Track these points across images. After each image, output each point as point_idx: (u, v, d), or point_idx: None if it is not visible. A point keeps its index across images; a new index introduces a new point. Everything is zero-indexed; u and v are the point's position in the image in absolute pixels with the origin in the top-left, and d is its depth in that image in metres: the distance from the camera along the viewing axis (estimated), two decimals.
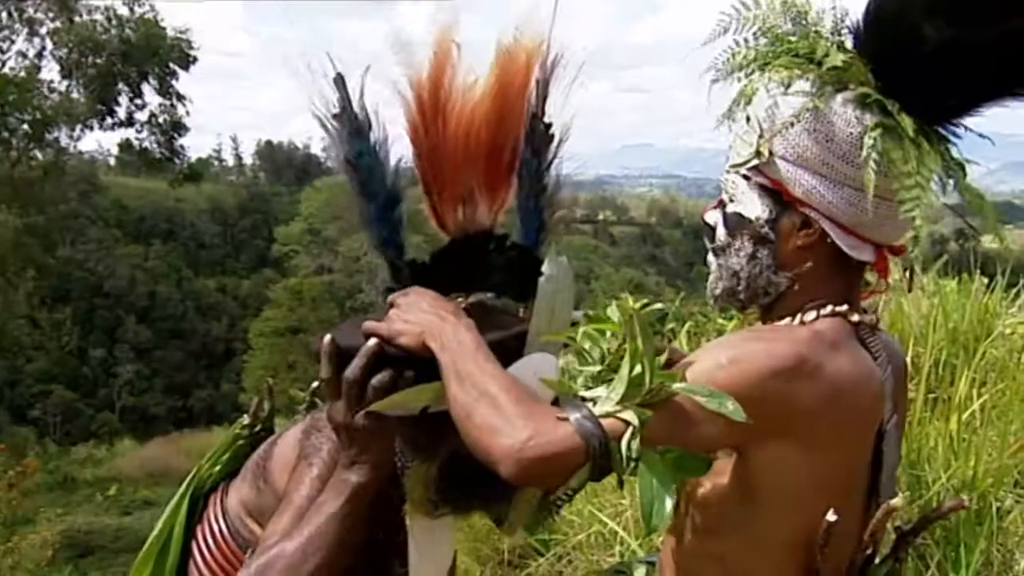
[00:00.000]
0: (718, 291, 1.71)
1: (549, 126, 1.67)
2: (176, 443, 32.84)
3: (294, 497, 1.69)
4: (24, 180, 24.15)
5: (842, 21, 1.64)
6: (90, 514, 21.45)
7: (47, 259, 30.66)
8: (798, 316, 1.64)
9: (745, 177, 1.66)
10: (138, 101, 24.31)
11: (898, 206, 1.48)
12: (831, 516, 1.53)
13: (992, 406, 3.98)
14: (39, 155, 24.02)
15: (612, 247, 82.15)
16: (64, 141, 24.32)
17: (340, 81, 1.57)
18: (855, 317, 1.63)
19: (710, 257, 1.74)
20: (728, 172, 1.70)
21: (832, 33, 1.63)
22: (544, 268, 1.61)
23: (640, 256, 78.59)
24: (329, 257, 49.11)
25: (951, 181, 1.59)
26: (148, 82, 23.94)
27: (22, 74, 22.66)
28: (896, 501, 1.58)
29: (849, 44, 1.61)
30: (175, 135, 25.11)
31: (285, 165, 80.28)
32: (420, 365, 1.52)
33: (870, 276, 1.74)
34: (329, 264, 48.81)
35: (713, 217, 1.74)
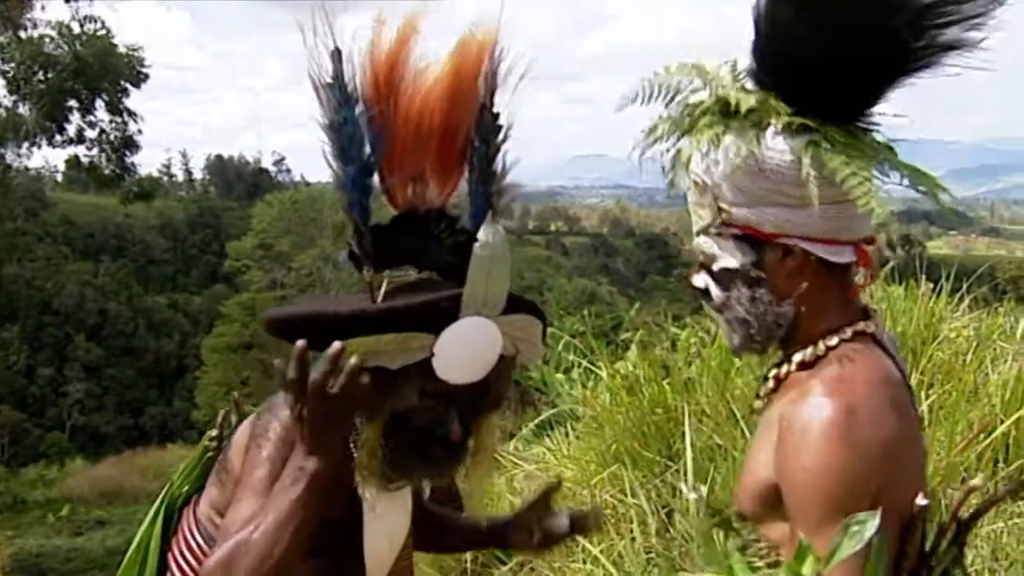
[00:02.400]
0: (737, 343, 1.76)
1: (497, 115, 1.74)
2: (129, 462, 32.49)
3: (249, 481, 1.75)
4: None
5: (735, 68, 1.74)
6: (41, 536, 21.19)
7: None
8: (820, 344, 1.70)
9: (717, 235, 1.73)
10: (90, 118, 24.05)
11: (856, 203, 1.56)
12: (921, 500, 1.60)
13: (939, 407, 4.11)
14: None
15: (564, 258, 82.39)
16: (10, 158, 24.00)
17: (337, 54, 1.68)
18: (871, 328, 1.71)
19: (714, 316, 1.79)
20: (698, 237, 1.77)
21: (733, 80, 1.73)
22: (480, 235, 1.69)
23: (593, 266, 78.81)
24: (281, 272, 48.80)
25: (886, 164, 1.67)
26: (100, 98, 23.68)
27: None
28: (976, 481, 1.66)
29: (750, 85, 1.71)
30: (126, 152, 24.86)
31: (236, 179, 79.82)
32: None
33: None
34: (281, 279, 48.50)
35: (701, 281, 1.79)
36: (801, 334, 1.72)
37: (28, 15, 22.15)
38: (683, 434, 4.31)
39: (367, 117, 1.70)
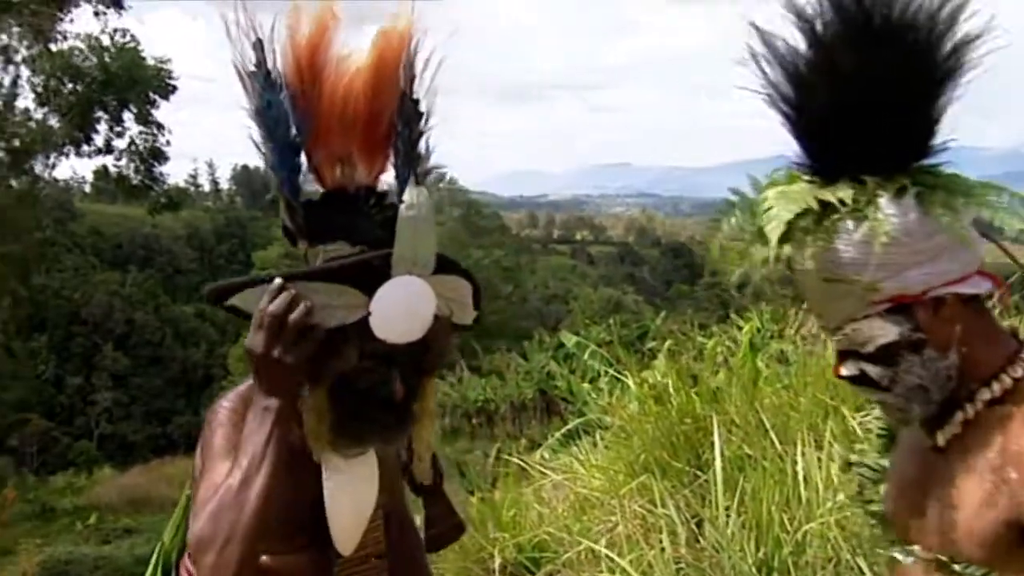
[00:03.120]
0: (917, 413, 1.71)
1: (417, 102, 1.83)
2: (156, 470, 32.63)
3: (209, 453, 1.82)
4: None
5: (785, 179, 1.77)
6: (69, 544, 21.25)
7: (22, 287, 30.43)
8: (1004, 377, 1.69)
9: (864, 318, 1.71)
10: (117, 129, 24.19)
11: (968, 232, 1.63)
12: None
13: None
14: (14, 183, 23.88)
15: (590, 267, 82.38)
16: (39, 169, 24.19)
17: (259, 44, 1.77)
18: None
19: (879, 398, 1.75)
20: (840, 329, 1.74)
21: (794, 183, 1.75)
22: (404, 196, 1.76)
23: (618, 275, 78.69)
24: None
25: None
26: (128, 110, 23.84)
27: None
28: None
29: (807, 178, 1.73)
30: (154, 162, 25.01)
31: (262, 189, 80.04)
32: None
33: None
34: None
35: (853, 368, 1.75)
36: (972, 374, 1.70)
37: (58, 28, 22.34)
38: (712, 444, 4.29)
39: (291, 100, 1.77)
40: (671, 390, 4.97)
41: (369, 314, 1.72)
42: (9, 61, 22.50)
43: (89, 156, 24.64)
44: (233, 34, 1.76)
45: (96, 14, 22.50)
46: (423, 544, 2.28)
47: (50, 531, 23.48)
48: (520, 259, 68.05)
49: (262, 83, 1.77)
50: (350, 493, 1.90)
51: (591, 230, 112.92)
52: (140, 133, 24.46)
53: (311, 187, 1.85)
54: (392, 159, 1.86)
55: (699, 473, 4.36)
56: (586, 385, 9.05)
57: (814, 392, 4.58)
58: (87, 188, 47.83)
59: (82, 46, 23.01)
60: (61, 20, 21.96)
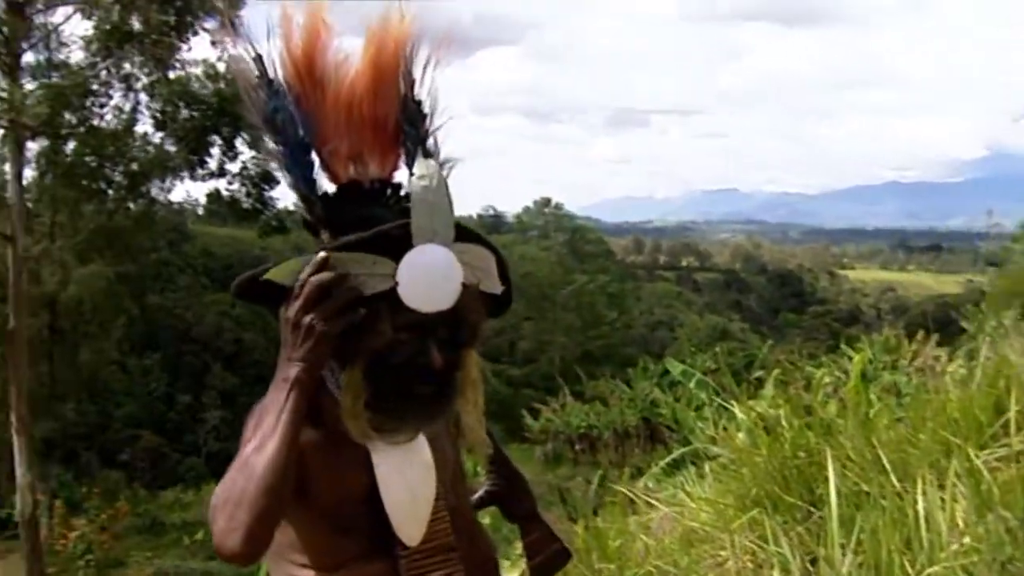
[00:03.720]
0: None
1: (420, 103, 1.90)
2: None
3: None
4: (117, 230, 24.75)
5: None
6: (178, 558, 21.73)
7: (137, 306, 31.33)
8: None
9: None
10: (230, 153, 24.75)
11: None
12: None
13: None
14: (132, 206, 24.59)
15: (696, 293, 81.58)
16: (155, 192, 24.84)
17: (259, 58, 1.83)
18: None
19: None
20: None
21: None
22: (415, 168, 1.81)
23: (724, 302, 77.85)
24: None
25: None
26: (241, 136, 24.38)
27: (118, 127, 23.27)
28: None
29: None
30: (265, 186, 25.51)
31: None
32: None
33: None
34: None
35: None
36: None
37: (176, 56, 22.96)
38: (826, 479, 4.15)
39: (295, 103, 1.84)
40: (783, 422, 4.84)
41: (396, 284, 1.74)
42: (130, 88, 23.18)
43: (203, 179, 25.25)
44: (232, 52, 1.86)
45: (213, 43, 23.08)
46: (497, 560, 2.18)
47: (159, 544, 24.03)
48: (625, 285, 67.85)
49: (266, 92, 1.83)
50: (404, 478, 1.86)
51: (697, 256, 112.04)
52: (252, 158, 25.00)
53: (326, 185, 1.90)
54: (404, 158, 1.90)
55: (813, 509, 4.23)
56: (692, 413, 8.94)
57: (934, 427, 4.43)
58: (199, 210, 49.00)
59: (199, 73, 23.64)
60: (179, 49, 22.57)
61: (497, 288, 1.93)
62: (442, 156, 1.90)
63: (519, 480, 2.22)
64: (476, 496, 2.21)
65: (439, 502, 1.93)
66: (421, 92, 1.90)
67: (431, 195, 1.77)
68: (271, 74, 1.83)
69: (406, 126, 1.88)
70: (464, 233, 1.82)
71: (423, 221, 1.76)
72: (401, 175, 1.92)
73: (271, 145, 1.86)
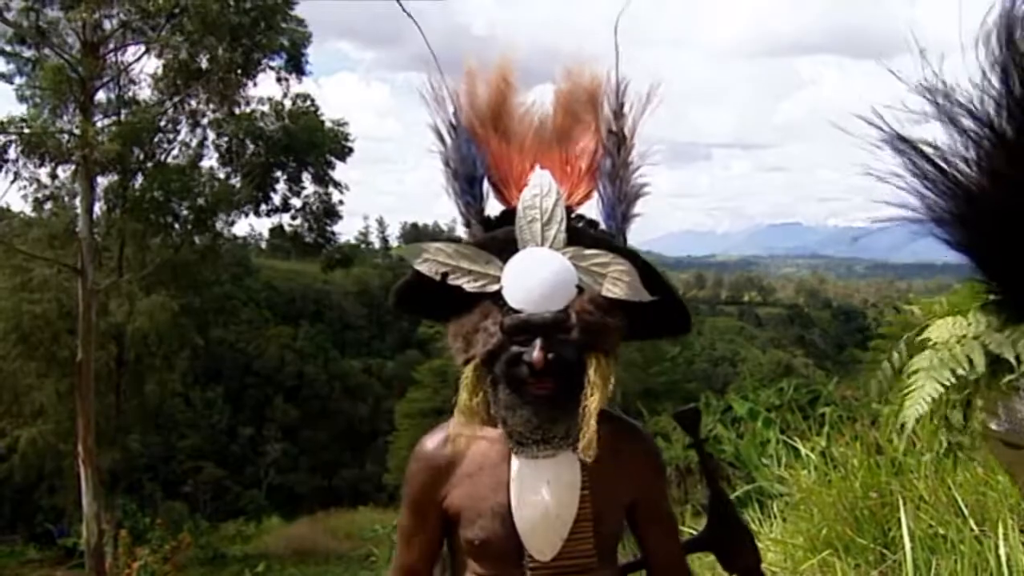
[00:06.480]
0: None
1: (623, 137, 2.06)
2: (322, 522, 33.23)
3: None
4: (183, 263, 25.13)
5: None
6: None
7: (201, 339, 31.70)
8: None
9: None
10: (295, 188, 25.07)
11: None
12: None
13: None
14: (197, 240, 24.96)
15: (758, 329, 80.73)
16: (220, 226, 25.19)
17: (455, 114, 2.09)
18: None
19: None
20: None
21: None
22: (530, 179, 1.98)
23: (788, 338, 76.85)
24: None
25: None
26: (307, 171, 24.69)
27: (184, 163, 23.66)
28: None
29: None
30: (327, 221, 25.78)
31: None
32: None
33: None
34: None
35: None
36: None
37: (242, 92, 23.32)
38: (899, 520, 4.02)
39: (476, 146, 2.06)
40: (854, 461, 4.71)
41: (502, 286, 1.89)
42: (196, 124, 23.63)
43: (268, 215, 25.58)
44: (428, 99, 2.10)
45: (279, 79, 23.44)
46: None
47: None
48: None
49: (454, 136, 2.07)
50: (538, 496, 1.89)
51: (759, 291, 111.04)
52: (315, 192, 25.28)
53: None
54: (599, 187, 2.07)
55: (886, 552, 4.09)
56: (756, 450, 8.79)
57: None
58: (263, 244, 49.65)
59: (265, 109, 24.00)
60: (245, 86, 22.95)
61: (630, 294, 1.92)
62: (632, 184, 2.06)
63: (744, 534, 2.26)
64: (688, 539, 2.25)
65: (584, 523, 1.94)
66: (618, 130, 2.07)
67: (540, 202, 1.93)
68: (454, 121, 2.08)
69: (603, 156, 2.06)
70: (588, 240, 1.92)
71: (530, 227, 1.92)
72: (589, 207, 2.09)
73: (448, 181, 2.08)
